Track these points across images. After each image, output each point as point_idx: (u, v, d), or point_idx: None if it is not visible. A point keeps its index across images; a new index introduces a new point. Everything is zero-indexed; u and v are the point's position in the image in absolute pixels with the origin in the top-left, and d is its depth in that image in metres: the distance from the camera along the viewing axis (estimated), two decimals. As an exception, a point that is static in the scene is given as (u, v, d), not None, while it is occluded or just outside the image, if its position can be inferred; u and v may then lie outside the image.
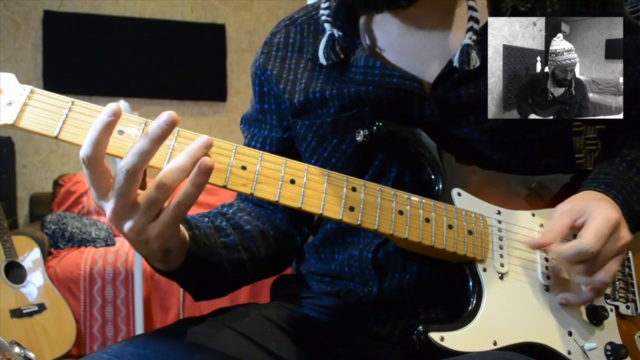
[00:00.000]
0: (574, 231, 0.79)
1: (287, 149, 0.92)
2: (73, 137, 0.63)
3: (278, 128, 0.94)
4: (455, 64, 0.79)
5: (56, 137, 0.62)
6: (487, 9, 0.86)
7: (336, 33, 0.84)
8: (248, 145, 0.96)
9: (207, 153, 0.64)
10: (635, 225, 0.81)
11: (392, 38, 0.86)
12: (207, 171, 0.62)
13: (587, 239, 0.74)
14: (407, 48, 0.85)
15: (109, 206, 0.63)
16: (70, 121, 0.63)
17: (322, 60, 0.84)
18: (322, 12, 0.87)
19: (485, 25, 0.79)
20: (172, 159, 0.63)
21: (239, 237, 0.87)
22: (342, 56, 0.84)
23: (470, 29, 0.80)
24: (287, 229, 0.95)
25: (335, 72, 0.86)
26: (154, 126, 0.60)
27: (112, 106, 0.60)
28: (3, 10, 3.70)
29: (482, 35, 0.80)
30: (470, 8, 0.81)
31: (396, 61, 0.85)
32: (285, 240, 0.95)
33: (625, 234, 0.77)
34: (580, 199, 0.80)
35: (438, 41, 0.84)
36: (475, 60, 0.79)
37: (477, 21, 0.80)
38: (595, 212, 0.76)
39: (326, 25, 0.85)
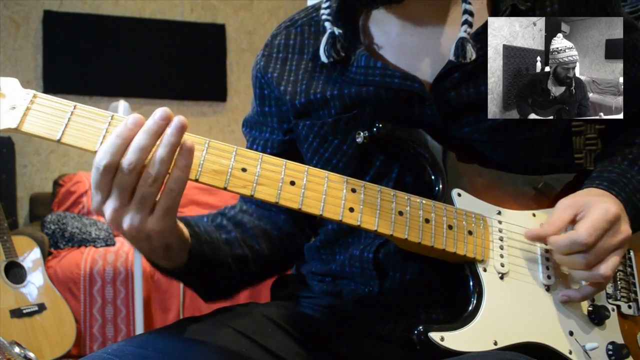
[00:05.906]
0: (573, 225, 0.79)
1: (288, 151, 0.92)
2: (75, 140, 0.64)
3: (279, 130, 0.94)
4: (452, 57, 0.79)
5: (58, 141, 0.64)
6: (487, 8, 0.86)
7: (337, 31, 0.84)
8: (250, 148, 0.96)
9: (184, 136, 0.64)
10: (638, 223, 0.81)
11: (392, 38, 0.86)
12: (189, 152, 0.64)
13: (582, 231, 0.74)
14: (406, 47, 0.85)
15: (109, 205, 0.64)
16: (72, 124, 0.64)
17: (323, 58, 0.84)
18: (322, 11, 0.87)
19: (485, 25, 0.79)
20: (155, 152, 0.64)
21: (240, 234, 0.88)
22: (342, 54, 0.84)
23: (465, 22, 0.79)
24: (291, 231, 0.95)
25: (335, 73, 0.86)
26: (150, 122, 0.63)
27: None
28: (3, 10, 3.70)
29: (482, 34, 0.80)
30: (464, 1, 0.80)
31: (396, 61, 0.85)
32: (288, 240, 0.95)
33: (625, 229, 0.77)
34: (582, 195, 0.81)
35: (437, 40, 0.84)
36: (471, 53, 0.78)
37: (471, 14, 0.80)
38: (594, 206, 0.76)
39: (327, 24, 0.85)
